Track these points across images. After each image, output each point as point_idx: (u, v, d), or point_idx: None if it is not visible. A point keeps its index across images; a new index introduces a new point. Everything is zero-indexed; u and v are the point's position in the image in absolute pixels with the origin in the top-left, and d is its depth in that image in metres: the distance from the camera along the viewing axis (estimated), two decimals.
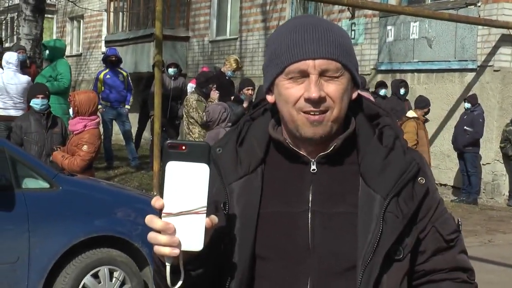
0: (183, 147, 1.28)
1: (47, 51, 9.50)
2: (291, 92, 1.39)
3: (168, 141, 1.29)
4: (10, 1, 22.23)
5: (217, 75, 9.39)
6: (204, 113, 7.81)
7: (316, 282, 1.40)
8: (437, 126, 11.24)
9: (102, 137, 10.21)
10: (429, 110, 8.47)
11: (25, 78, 8.78)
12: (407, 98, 10.75)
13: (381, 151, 1.44)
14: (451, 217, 1.55)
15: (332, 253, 1.40)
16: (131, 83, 11.35)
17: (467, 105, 10.38)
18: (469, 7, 10.97)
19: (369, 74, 12.53)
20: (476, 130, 10.16)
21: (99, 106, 10.54)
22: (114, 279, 4.81)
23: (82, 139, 6.08)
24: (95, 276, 4.75)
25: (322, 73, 1.38)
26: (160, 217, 1.28)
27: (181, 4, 16.96)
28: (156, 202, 1.27)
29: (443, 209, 1.52)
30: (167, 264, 1.30)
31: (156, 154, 8.98)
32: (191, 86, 10.06)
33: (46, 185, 4.73)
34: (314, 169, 1.44)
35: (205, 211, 1.28)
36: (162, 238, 1.26)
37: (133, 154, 11.32)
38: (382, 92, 10.58)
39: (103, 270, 4.76)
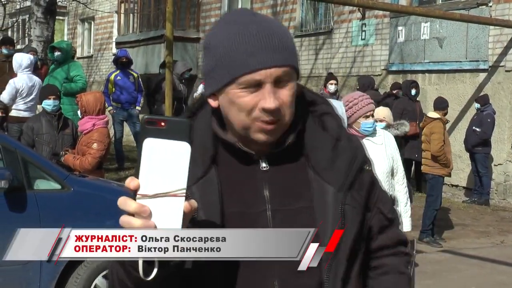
0: (162, 123, 1.18)
1: (60, 53, 9.53)
2: (245, 101, 1.36)
3: (146, 116, 1.20)
4: (22, 4, 22.35)
5: None
6: None
7: (282, 282, 1.40)
8: (448, 127, 11.18)
9: (113, 138, 10.26)
10: (447, 111, 8.46)
11: (36, 80, 8.82)
12: (418, 99, 10.71)
13: (328, 142, 1.46)
14: (386, 193, 1.60)
15: (342, 224, 1.41)
16: (141, 84, 11.37)
17: (477, 105, 10.33)
18: (480, 7, 10.91)
19: (380, 75, 12.49)
20: (484, 130, 10.10)
21: (110, 108, 10.61)
22: None
23: (92, 138, 6.14)
24: (107, 277, 4.76)
25: (275, 81, 1.36)
26: (135, 199, 1.19)
27: (192, 5, 16.98)
28: (130, 182, 1.18)
29: (380, 188, 1.56)
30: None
31: None
32: (202, 87, 10.07)
33: (57, 186, 4.75)
34: (265, 167, 1.44)
35: (184, 194, 1.19)
36: (136, 221, 1.18)
37: None
38: (413, 92, 10.46)
39: None
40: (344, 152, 1.46)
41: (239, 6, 16.03)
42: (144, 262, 1.22)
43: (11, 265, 4.39)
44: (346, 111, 4.28)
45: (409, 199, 4.61)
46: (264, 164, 1.44)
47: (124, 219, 1.20)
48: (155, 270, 1.22)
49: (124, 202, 1.19)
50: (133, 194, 1.19)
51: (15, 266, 4.43)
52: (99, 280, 4.71)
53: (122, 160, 11.28)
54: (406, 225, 4.52)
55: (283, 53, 1.37)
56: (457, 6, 11.22)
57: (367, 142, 4.35)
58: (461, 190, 11.36)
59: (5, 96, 8.55)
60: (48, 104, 6.50)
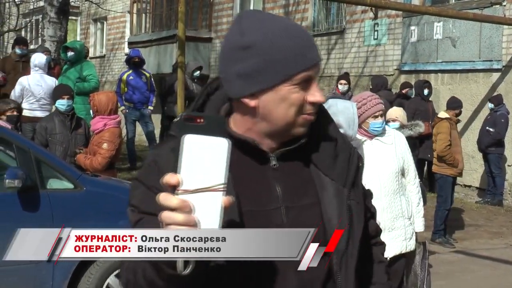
0: (201, 120, 1.21)
1: (73, 53, 9.57)
2: (298, 97, 1.42)
3: (184, 113, 1.22)
4: (35, 4, 22.48)
5: None
6: None
7: (297, 274, 1.43)
8: (461, 127, 11.13)
9: (125, 138, 10.29)
10: (460, 111, 8.40)
11: (51, 80, 8.87)
12: (430, 99, 10.66)
13: (329, 141, 1.54)
14: (364, 186, 1.68)
15: (342, 223, 1.48)
16: (154, 84, 11.40)
17: (491, 105, 10.28)
18: (494, 6, 10.85)
19: (392, 75, 12.45)
20: (497, 131, 10.04)
21: (122, 107, 10.65)
22: None
23: (103, 137, 6.17)
24: (119, 276, 4.77)
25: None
26: (175, 195, 1.19)
27: (204, 5, 17.01)
28: (171, 178, 1.19)
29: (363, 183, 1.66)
30: None
31: None
32: None
33: (70, 185, 4.77)
34: (275, 165, 1.49)
35: (224, 189, 1.20)
36: (179, 217, 1.18)
37: None
38: (425, 92, 10.44)
39: None
40: (343, 151, 1.55)
41: (251, 6, 16.04)
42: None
43: (24, 264, 4.42)
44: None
45: (421, 199, 4.58)
46: (274, 162, 1.49)
47: (166, 215, 1.19)
48: (191, 264, 1.23)
49: (165, 198, 1.19)
50: (172, 190, 1.20)
51: (28, 265, 4.46)
52: (111, 279, 4.72)
53: (135, 160, 11.31)
54: (418, 226, 4.49)
55: (318, 50, 1.47)
56: (470, 5, 11.16)
57: (376, 142, 4.33)
58: (474, 191, 11.29)
59: (12, 94, 8.64)
60: (62, 103, 6.53)
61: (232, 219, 1.38)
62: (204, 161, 1.19)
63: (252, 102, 1.44)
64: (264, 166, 1.48)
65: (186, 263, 1.24)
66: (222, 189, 1.20)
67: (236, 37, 1.43)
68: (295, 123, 1.45)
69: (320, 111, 1.53)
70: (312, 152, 1.52)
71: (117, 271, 4.74)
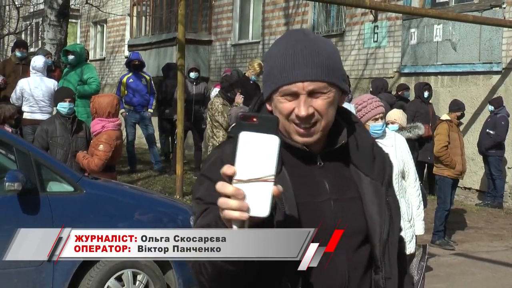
0: (255, 119, 1.37)
1: (73, 57, 9.58)
2: (285, 107, 1.62)
3: (241, 112, 1.38)
4: (36, 7, 22.49)
5: (241, 79, 9.40)
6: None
7: (345, 258, 1.64)
8: (461, 130, 11.14)
9: (125, 141, 10.29)
10: (462, 114, 8.43)
11: (51, 82, 8.87)
12: (430, 101, 10.66)
13: (367, 145, 1.75)
14: None
15: (352, 233, 1.65)
16: (154, 87, 11.40)
17: (491, 107, 10.28)
18: (494, 8, 10.86)
19: (392, 77, 12.45)
20: (497, 133, 10.05)
21: (122, 110, 10.65)
22: (137, 282, 4.83)
23: (100, 139, 6.22)
24: (119, 279, 4.77)
25: (310, 93, 1.60)
26: (231, 183, 1.35)
27: (204, 8, 17.02)
28: (228, 169, 1.35)
29: None
30: (234, 228, 1.36)
31: (179, 157, 9.02)
32: (216, 90, 10.08)
33: (70, 188, 4.77)
34: (321, 164, 1.69)
35: (274, 180, 1.35)
36: (233, 202, 1.34)
37: (156, 158, 11.37)
38: (425, 94, 10.45)
39: (127, 273, 4.78)
40: (378, 154, 1.78)
41: (251, 9, 16.05)
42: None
43: (25, 266, 4.42)
44: (355, 113, 4.28)
45: (422, 202, 4.58)
46: (320, 161, 1.69)
47: (222, 200, 1.35)
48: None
49: (222, 186, 1.36)
50: (229, 179, 1.36)
51: (28, 268, 4.46)
52: (111, 282, 4.72)
53: (134, 163, 11.31)
54: (418, 229, 4.49)
55: (320, 70, 1.61)
56: (470, 8, 11.17)
57: None
58: (474, 193, 11.29)
59: (12, 96, 8.65)
60: (64, 106, 6.54)
61: (291, 209, 1.57)
62: (256, 155, 1.35)
63: (268, 107, 1.69)
64: (312, 165, 1.69)
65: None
66: (272, 180, 1.36)
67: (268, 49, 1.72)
68: (290, 131, 1.64)
69: (352, 119, 1.75)
70: (352, 154, 1.72)
71: (116, 274, 4.75)
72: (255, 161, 1.35)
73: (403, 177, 4.43)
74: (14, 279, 4.46)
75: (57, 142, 6.46)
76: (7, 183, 4.35)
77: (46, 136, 6.48)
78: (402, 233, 4.25)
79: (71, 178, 4.81)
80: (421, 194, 4.57)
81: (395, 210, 1.74)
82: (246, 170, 1.35)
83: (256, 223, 1.38)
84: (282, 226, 1.53)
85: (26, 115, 8.63)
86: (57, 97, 6.84)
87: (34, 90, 8.65)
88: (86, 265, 4.62)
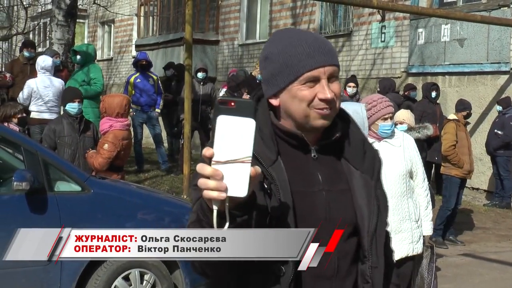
0: (232, 103, 1.42)
1: (79, 56, 9.60)
2: (306, 94, 1.70)
3: (219, 97, 1.48)
4: (43, 7, 22.56)
5: (247, 79, 9.39)
6: None
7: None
8: (469, 130, 11.09)
9: (133, 140, 10.31)
10: (468, 113, 8.42)
11: (58, 82, 8.89)
12: (438, 101, 10.62)
13: (359, 141, 1.83)
14: None
15: (342, 223, 1.71)
16: (161, 87, 11.41)
17: (499, 108, 10.24)
18: (502, 8, 10.81)
19: (399, 77, 12.42)
20: (506, 133, 10.01)
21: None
22: (144, 281, 4.84)
23: (106, 138, 6.25)
24: (126, 278, 4.78)
25: (329, 77, 1.71)
26: (210, 165, 1.41)
27: (211, 8, 17.02)
28: (206, 151, 1.42)
29: None
30: (214, 208, 1.42)
31: (186, 157, 9.03)
32: (223, 91, 10.08)
33: (78, 188, 4.78)
34: (315, 155, 1.77)
35: (250, 161, 1.41)
36: (211, 183, 1.41)
37: (163, 158, 11.37)
38: (433, 94, 10.43)
39: (134, 273, 4.79)
40: (369, 150, 1.85)
41: (259, 9, 16.04)
42: (217, 217, 1.42)
43: (33, 266, 4.44)
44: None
45: (430, 202, 4.56)
46: (314, 154, 1.77)
47: (201, 181, 1.42)
48: (226, 225, 1.44)
49: (201, 167, 1.43)
50: (208, 161, 1.42)
51: (36, 267, 4.48)
52: (118, 281, 4.73)
53: (142, 163, 11.32)
54: (426, 229, 4.47)
55: (333, 56, 1.75)
56: (478, 7, 11.13)
57: (384, 144, 4.32)
58: (482, 193, 11.25)
59: (20, 96, 8.66)
60: (73, 107, 6.57)
61: (285, 196, 1.64)
62: (233, 137, 1.41)
63: (275, 102, 1.75)
64: (306, 156, 1.77)
65: (222, 224, 1.43)
66: (248, 161, 1.41)
67: (262, 51, 1.80)
68: (310, 117, 1.71)
69: (345, 116, 1.83)
70: (344, 149, 1.80)
71: (124, 274, 4.75)
72: (233, 143, 1.40)
73: (411, 177, 4.41)
74: (22, 278, 4.48)
75: (64, 142, 6.48)
76: (15, 183, 4.36)
77: (54, 136, 6.50)
78: (409, 234, 4.26)
79: (78, 177, 4.82)
80: (429, 195, 4.55)
81: (383, 203, 1.83)
82: (224, 152, 1.40)
83: (236, 204, 1.43)
84: (277, 212, 1.61)
85: (34, 115, 8.65)
86: (66, 97, 6.86)
87: (44, 90, 8.67)
88: (93, 265, 4.63)
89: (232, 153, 1.41)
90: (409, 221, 4.31)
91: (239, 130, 1.41)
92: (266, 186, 1.62)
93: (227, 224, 1.43)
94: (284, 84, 1.71)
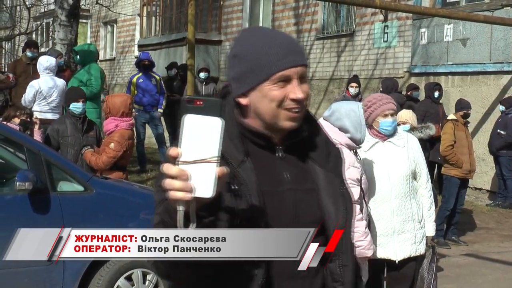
0: (199, 102, 1.40)
1: (78, 56, 9.62)
2: (277, 94, 1.68)
3: (186, 96, 1.41)
4: (46, 7, 22.58)
5: None
6: None
7: None
8: (471, 130, 11.08)
9: (135, 140, 10.31)
10: (465, 113, 8.43)
11: (61, 82, 8.89)
12: (441, 101, 10.61)
13: (323, 140, 1.84)
14: None
15: (309, 222, 1.67)
16: (164, 87, 11.41)
17: (502, 108, 10.23)
18: (505, 8, 10.80)
19: (402, 77, 12.41)
20: (508, 133, 10.00)
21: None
22: (147, 282, 4.84)
23: (112, 138, 6.25)
24: (129, 278, 4.78)
25: (300, 78, 1.70)
26: (176, 165, 1.37)
27: (214, 8, 17.03)
28: (172, 151, 1.39)
29: None
30: (180, 209, 1.38)
31: None
32: None
33: (80, 188, 4.78)
34: (282, 155, 1.77)
35: (218, 161, 1.38)
36: (177, 183, 1.37)
37: None
38: (436, 94, 10.43)
39: (137, 273, 4.79)
40: (332, 149, 1.86)
41: (261, 9, 16.04)
42: (183, 218, 1.39)
43: (35, 265, 4.44)
44: (365, 111, 4.26)
45: (433, 203, 4.55)
46: (281, 153, 1.76)
47: (167, 181, 1.39)
48: (192, 225, 1.41)
49: (167, 167, 1.39)
50: (174, 161, 1.39)
51: (39, 267, 4.48)
52: (121, 281, 4.73)
53: (144, 163, 11.33)
54: (429, 230, 4.46)
55: (303, 56, 1.74)
56: (481, 7, 11.11)
57: (388, 144, 4.31)
58: (485, 194, 11.24)
59: (24, 98, 8.65)
60: (77, 107, 6.58)
61: (255, 196, 1.63)
62: (200, 137, 1.38)
63: (244, 101, 1.72)
64: (273, 156, 1.76)
65: (187, 224, 1.40)
66: (216, 161, 1.38)
67: (231, 49, 1.77)
68: (279, 117, 1.70)
69: (309, 116, 1.82)
70: (309, 148, 1.80)
71: (126, 274, 4.76)
72: (199, 143, 1.38)
73: (414, 178, 4.39)
74: (24, 278, 4.48)
75: (68, 142, 6.49)
76: (17, 183, 4.37)
77: (57, 136, 6.51)
78: (412, 234, 4.25)
79: (81, 177, 4.83)
80: (432, 195, 4.54)
81: (349, 201, 1.84)
82: (191, 151, 1.37)
83: (202, 204, 1.40)
84: (248, 213, 1.59)
85: (36, 114, 8.64)
86: (70, 97, 6.86)
87: (48, 90, 8.67)
88: (96, 265, 4.63)
89: (199, 153, 1.38)
90: (412, 222, 4.30)
91: (206, 130, 1.38)
92: (234, 187, 1.59)
93: (193, 226, 1.39)
94: (255, 83, 1.69)
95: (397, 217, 4.25)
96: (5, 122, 6.42)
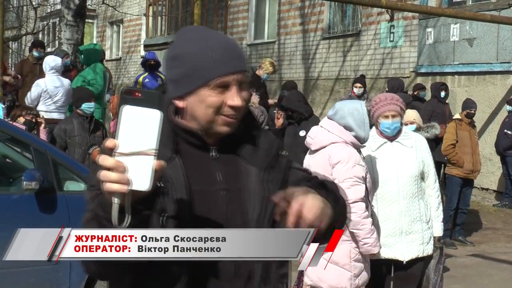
0: (138, 94, 1.38)
1: (82, 56, 9.64)
2: (215, 100, 1.65)
3: (124, 87, 1.39)
4: (53, 7, 22.65)
5: (253, 79, 9.38)
6: None
7: None
8: (478, 130, 11.05)
9: None
10: (468, 113, 8.44)
11: (67, 82, 8.91)
12: (447, 101, 10.58)
13: (252, 136, 1.78)
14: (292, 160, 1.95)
15: (241, 223, 1.68)
16: None
17: (509, 107, 10.20)
18: None
19: (408, 77, 12.39)
20: None
21: None
22: None
23: None
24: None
25: (239, 84, 1.67)
26: (112, 157, 1.35)
27: (219, 7, 17.03)
28: (109, 142, 1.36)
29: (296, 163, 1.91)
30: (115, 202, 1.35)
31: None
32: None
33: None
34: (215, 155, 1.74)
35: (155, 154, 1.36)
36: (113, 175, 1.34)
37: None
38: (442, 94, 10.41)
39: None
40: (263, 143, 1.79)
41: (267, 9, 16.04)
42: (118, 212, 1.37)
43: (42, 265, 4.45)
44: (370, 111, 4.27)
45: (441, 203, 4.53)
46: (214, 153, 1.74)
47: (103, 173, 1.35)
48: (126, 220, 1.38)
49: (103, 159, 1.36)
50: (111, 152, 1.36)
51: (46, 267, 4.49)
52: None
53: None
54: (437, 230, 4.45)
55: (243, 61, 1.71)
56: (488, 7, 11.08)
57: (396, 145, 4.30)
58: (491, 194, 11.20)
59: (28, 96, 8.67)
60: (90, 106, 6.63)
61: (182, 195, 1.61)
62: (138, 128, 1.36)
63: (180, 104, 1.70)
64: (206, 155, 1.73)
65: (122, 219, 1.37)
66: (153, 154, 1.36)
67: (169, 49, 1.74)
68: (216, 123, 1.68)
69: (247, 112, 1.77)
70: (240, 146, 1.76)
71: None
72: (137, 135, 1.36)
73: (422, 178, 4.38)
74: (31, 277, 4.49)
75: (75, 142, 6.50)
76: (24, 182, 4.38)
77: (64, 135, 6.52)
78: (420, 235, 4.23)
79: (87, 177, 4.82)
80: (440, 196, 4.52)
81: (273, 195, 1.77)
82: (128, 143, 1.35)
83: (138, 198, 1.37)
84: (173, 211, 1.57)
85: (42, 114, 8.66)
86: (82, 97, 6.85)
87: (54, 89, 8.69)
88: None
89: (136, 144, 1.35)
90: (419, 223, 4.29)
91: (145, 122, 1.36)
92: (159, 185, 1.51)
93: (126, 221, 1.37)
94: (192, 87, 1.66)
95: (405, 217, 4.24)
96: (11, 122, 6.44)
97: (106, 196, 1.38)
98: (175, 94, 1.70)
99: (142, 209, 1.41)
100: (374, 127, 4.39)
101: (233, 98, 1.65)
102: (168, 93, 1.72)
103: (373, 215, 4.11)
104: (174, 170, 1.63)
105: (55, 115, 8.60)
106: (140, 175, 1.35)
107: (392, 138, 4.30)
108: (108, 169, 1.35)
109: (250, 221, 1.70)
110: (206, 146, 1.74)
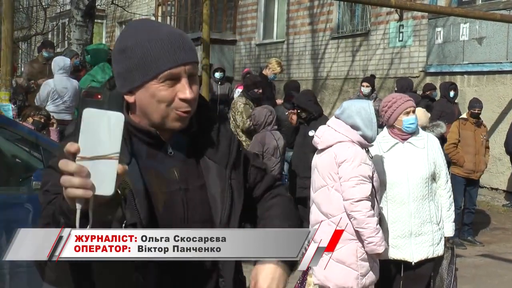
0: (99, 96, 1.32)
1: (89, 56, 9.68)
2: (165, 94, 1.59)
3: (84, 90, 1.35)
4: (62, 8, 22.74)
5: (261, 78, 9.37)
6: (247, 119, 7.81)
7: None
8: (488, 129, 11.00)
9: None
10: (472, 112, 8.42)
11: (75, 83, 8.95)
12: (456, 101, 10.54)
13: (211, 131, 1.74)
14: (254, 154, 1.95)
15: (201, 221, 1.65)
16: None
17: None
18: None
19: (417, 77, 12.35)
20: None
21: None
22: None
23: None
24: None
25: (189, 76, 1.62)
26: (74, 161, 1.32)
27: (228, 7, 17.05)
28: (71, 146, 1.32)
29: (250, 153, 1.90)
30: (77, 208, 1.31)
31: None
32: (238, 91, 10.07)
33: None
34: (171, 152, 1.68)
35: (118, 157, 1.33)
36: (76, 180, 1.30)
37: None
38: (451, 94, 10.39)
39: None
40: (224, 138, 1.76)
41: (276, 9, 16.03)
42: (80, 218, 1.33)
43: None
44: (385, 112, 4.25)
45: (452, 203, 4.50)
46: (170, 150, 1.68)
47: (65, 178, 1.31)
48: (89, 226, 1.35)
49: (65, 164, 1.32)
50: (72, 157, 1.32)
51: None
52: None
53: None
54: (448, 230, 4.41)
55: (193, 52, 1.64)
56: (497, 6, 11.03)
57: (408, 145, 4.27)
58: (501, 194, 11.15)
59: (37, 97, 8.71)
60: None
61: (141, 199, 1.57)
62: (100, 132, 1.33)
63: (130, 99, 1.64)
64: (162, 153, 1.67)
65: (84, 225, 1.34)
66: (116, 158, 1.33)
67: (117, 42, 1.67)
68: (168, 118, 1.62)
69: (203, 105, 1.74)
70: (199, 141, 1.72)
71: None
72: (99, 138, 1.32)
73: (433, 180, 4.34)
74: (38, 277, 4.50)
75: None
76: (34, 182, 4.39)
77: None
78: (430, 236, 4.21)
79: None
80: (452, 196, 4.48)
81: (237, 194, 1.73)
82: (90, 147, 1.32)
83: (101, 203, 1.34)
84: (134, 216, 1.53)
85: (53, 115, 8.69)
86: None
87: (61, 89, 8.72)
88: None
89: (99, 149, 1.32)
90: (430, 224, 4.26)
91: (106, 125, 1.33)
92: (118, 191, 1.44)
93: (90, 226, 1.34)
94: (141, 81, 1.60)
95: (415, 219, 4.21)
96: (21, 121, 6.48)
97: (68, 201, 1.34)
98: (124, 90, 1.64)
99: (104, 214, 1.38)
100: (385, 128, 4.36)
101: (184, 91, 1.60)
102: (117, 88, 1.67)
103: (381, 217, 4.10)
104: (133, 176, 1.57)
105: (64, 116, 8.63)
106: (103, 180, 1.32)
107: (404, 137, 4.27)
108: (70, 174, 1.31)
109: (214, 220, 1.67)
110: (161, 144, 1.68)
